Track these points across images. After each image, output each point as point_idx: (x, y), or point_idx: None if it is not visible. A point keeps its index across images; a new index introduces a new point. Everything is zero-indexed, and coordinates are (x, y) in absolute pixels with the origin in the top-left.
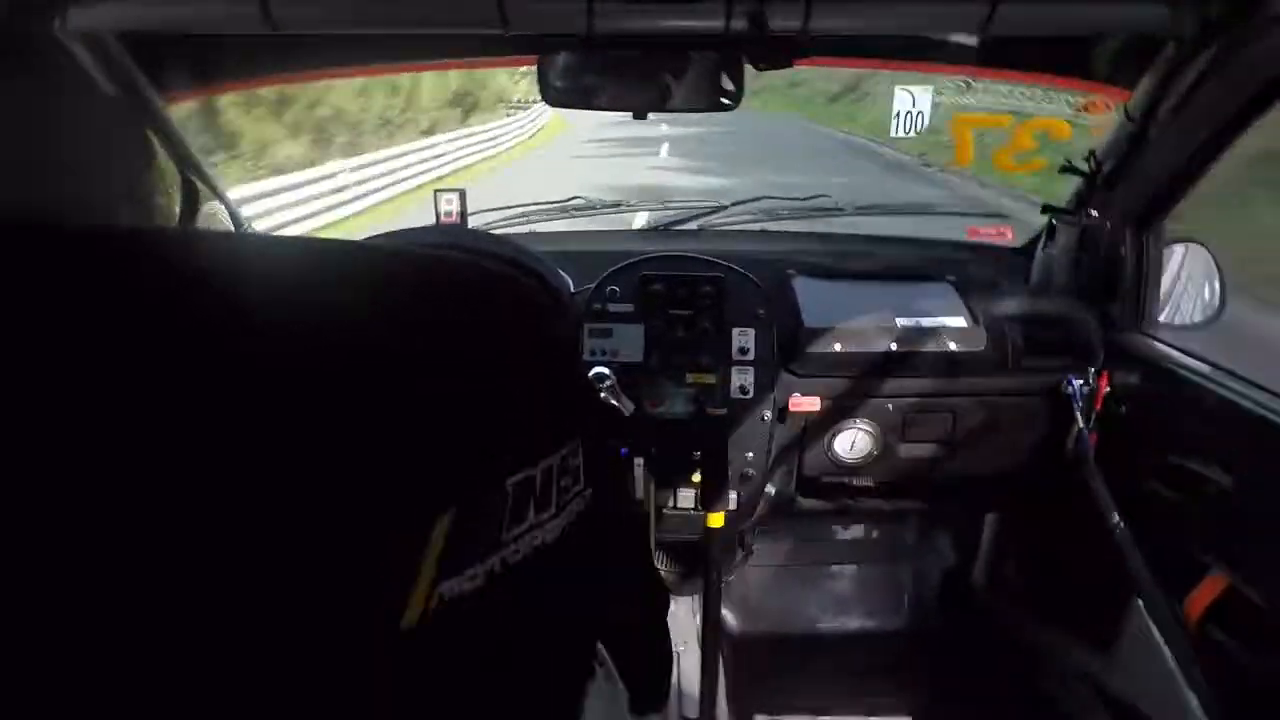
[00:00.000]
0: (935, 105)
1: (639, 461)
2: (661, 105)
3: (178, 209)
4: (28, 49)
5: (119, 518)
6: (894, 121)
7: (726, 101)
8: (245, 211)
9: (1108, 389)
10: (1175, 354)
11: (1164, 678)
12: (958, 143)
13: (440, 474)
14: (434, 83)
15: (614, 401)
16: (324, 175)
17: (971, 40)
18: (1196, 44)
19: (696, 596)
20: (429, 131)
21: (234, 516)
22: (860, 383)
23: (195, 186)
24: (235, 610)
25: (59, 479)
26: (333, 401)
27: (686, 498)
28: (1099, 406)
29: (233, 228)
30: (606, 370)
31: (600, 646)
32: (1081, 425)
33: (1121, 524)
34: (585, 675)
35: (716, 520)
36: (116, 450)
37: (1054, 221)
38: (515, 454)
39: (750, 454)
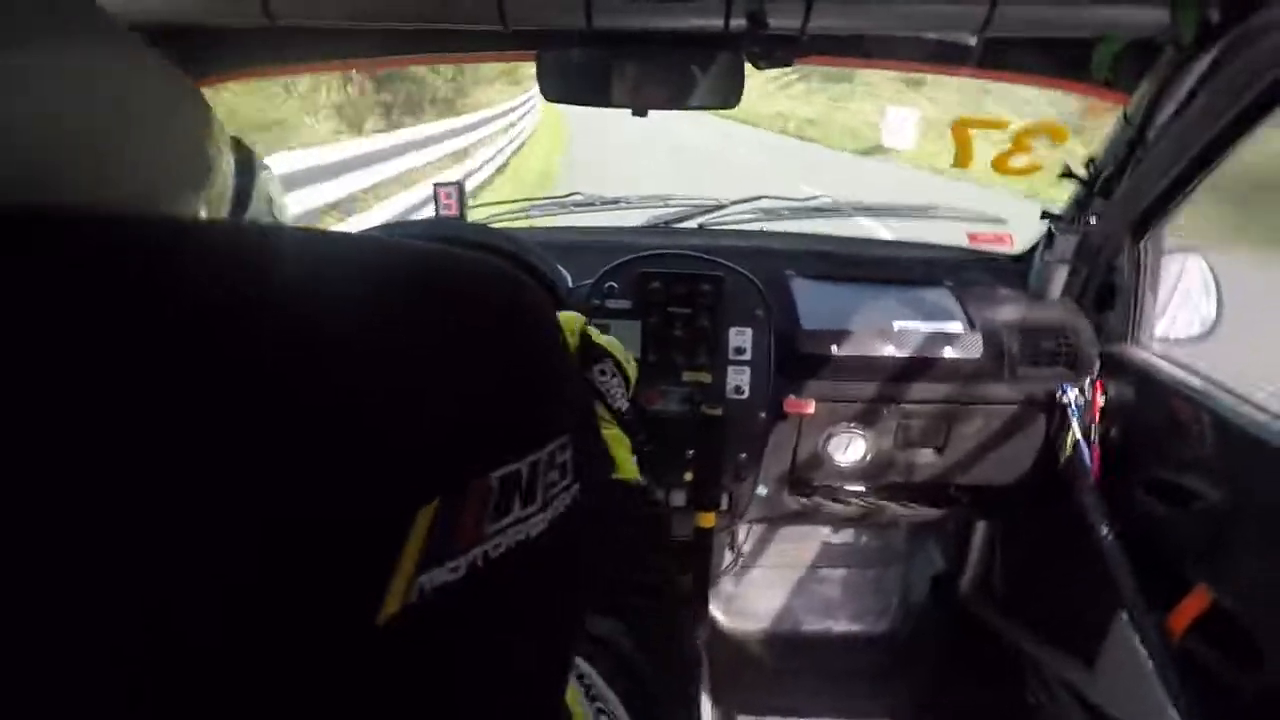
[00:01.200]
0: None
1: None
2: (660, 103)
3: (231, 195)
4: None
5: (85, 505)
6: None
7: (726, 100)
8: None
9: (1102, 401)
10: (1169, 368)
11: (1146, 691)
12: (958, 147)
13: (425, 465)
14: None
15: (609, 388)
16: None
17: (971, 41)
18: (1195, 48)
19: (684, 596)
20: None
21: (210, 507)
22: (856, 387)
23: (250, 173)
24: (206, 600)
25: (30, 464)
26: (317, 391)
27: (678, 496)
28: (1096, 418)
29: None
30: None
31: (595, 672)
32: (1079, 437)
33: (1110, 536)
34: (567, 674)
35: (708, 519)
36: (83, 439)
37: (1053, 228)
38: (502, 447)
39: (744, 454)
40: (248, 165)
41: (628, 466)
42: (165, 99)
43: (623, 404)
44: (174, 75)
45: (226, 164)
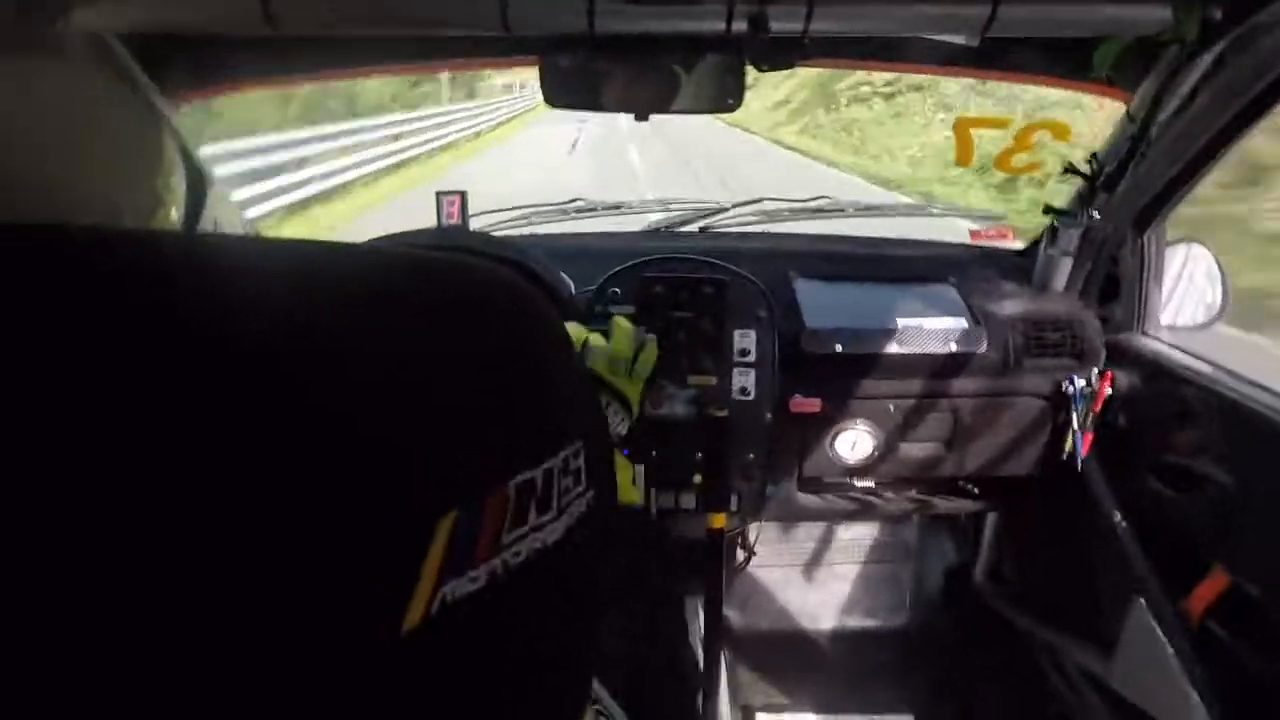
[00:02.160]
0: None
1: (639, 464)
2: (663, 106)
3: (184, 210)
4: (33, 50)
5: (107, 515)
6: None
7: (729, 102)
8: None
9: (1109, 390)
10: (1177, 354)
11: (1166, 676)
12: (959, 144)
13: (444, 477)
14: None
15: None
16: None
17: (974, 42)
18: (1198, 45)
19: (699, 597)
20: None
21: (234, 521)
22: (861, 384)
23: (203, 188)
24: (232, 614)
25: (43, 477)
26: (335, 406)
27: (688, 499)
28: (1097, 408)
29: (239, 229)
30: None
31: (602, 688)
32: (1076, 425)
33: (1123, 523)
34: (590, 684)
35: (718, 521)
36: (103, 453)
37: (1055, 223)
38: (517, 456)
39: (751, 455)
40: (199, 184)
41: (627, 489)
42: (125, 120)
43: (620, 430)
44: (139, 99)
45: (177, 183)
